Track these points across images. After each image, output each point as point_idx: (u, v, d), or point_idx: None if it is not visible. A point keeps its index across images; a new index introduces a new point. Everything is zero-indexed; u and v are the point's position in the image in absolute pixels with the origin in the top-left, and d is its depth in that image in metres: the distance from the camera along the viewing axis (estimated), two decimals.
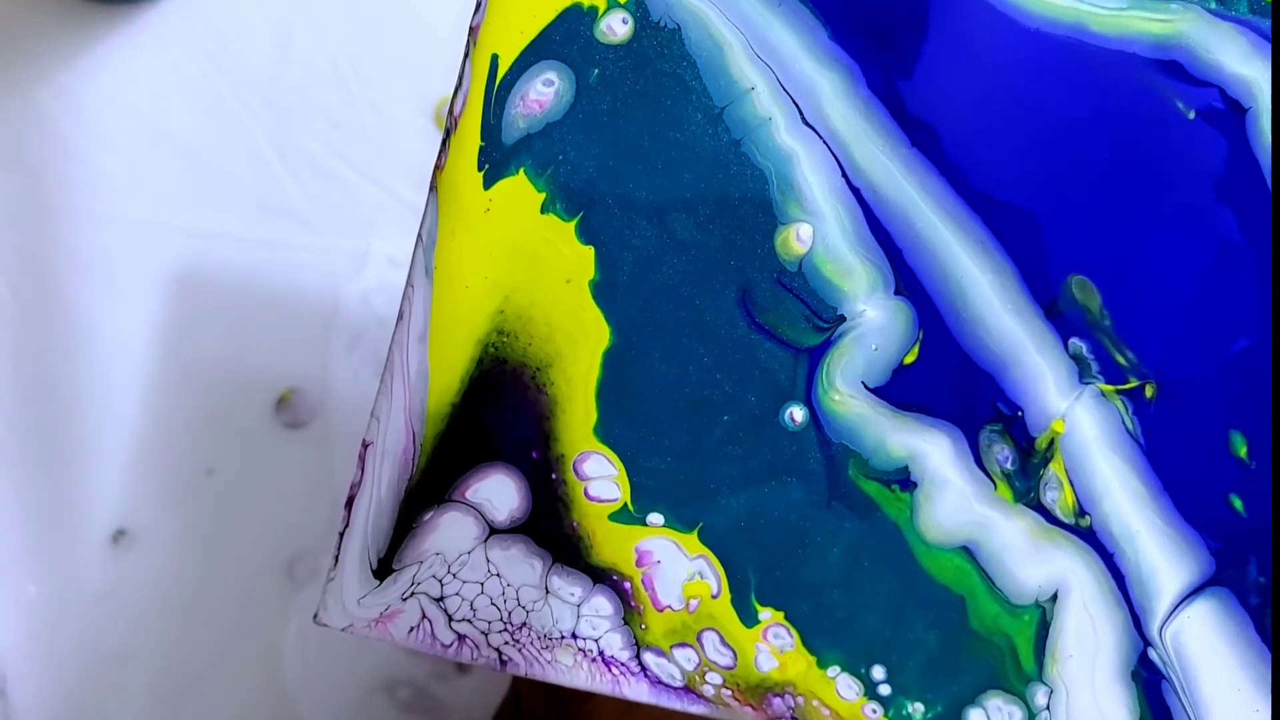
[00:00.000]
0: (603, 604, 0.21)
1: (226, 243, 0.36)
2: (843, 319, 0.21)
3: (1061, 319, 0.21)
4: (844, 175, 0.21)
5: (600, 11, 0.21)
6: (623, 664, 0.21)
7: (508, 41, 0.21)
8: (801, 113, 0.21)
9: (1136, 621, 0.21)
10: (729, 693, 0.21)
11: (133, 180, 0.36)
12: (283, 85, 0.36)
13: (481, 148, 0.21)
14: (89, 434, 0.35)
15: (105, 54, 0.36)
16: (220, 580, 0.35)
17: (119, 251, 0.35)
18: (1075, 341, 0.21)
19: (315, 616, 0.21)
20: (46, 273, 0.35)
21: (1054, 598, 0.21)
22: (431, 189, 0.21)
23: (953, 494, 0.21)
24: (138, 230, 0.36)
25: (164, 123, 0.36)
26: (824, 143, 0.21)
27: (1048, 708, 0.21)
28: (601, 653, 0.21)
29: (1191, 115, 0.21)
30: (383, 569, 0.21)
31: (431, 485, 0.21)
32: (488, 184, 0.21)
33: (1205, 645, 0.21)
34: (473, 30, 0.21)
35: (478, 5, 0.21)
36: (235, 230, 0.36)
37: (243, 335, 0.36)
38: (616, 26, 0.21)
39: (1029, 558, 0.21)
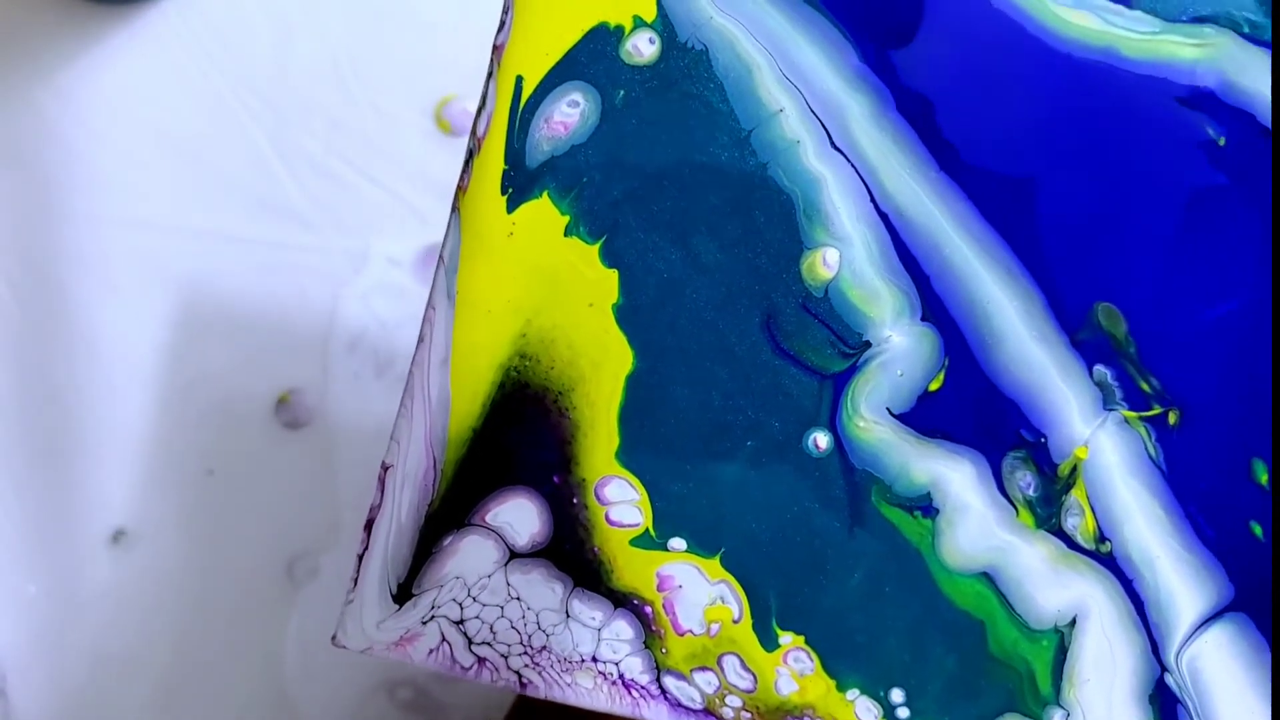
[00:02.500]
0: (623, 628, 0.21)
1: (226, 243, 0.35)
2: (868, 345, 0.21)
3: (1087, 346, 0.21)
4: (872, 200, 0.20)
5: (626, 31, 0.20)
6: (643, 687, 0.21)
7: (533, 63, 0.20)
8: (830, 136, 0.20)
9: (1154, 646, 0.21)
10: (748, 716, 0.21)
11: (133, 180, 0.35)
12: (283, 85, 0.36)
13: (505, 171, 0.20)
14: (89, 434, 0.34)
15: (105, 54, 0.35)
16: (220, 580, 0.35)
17: (119, 252, 0.35)
18: (1100, 368, 0.21)
19: (334, 638, 0.21)
20: (46, 273, 0.35)
21: (1073, 623, 0.21)
22: (454, 210, 0.21)
23: (974, 520, 0.21)
24: (138, 230, 0.35)
25: (164, 123, 0.35)
26: (852, 166, 0.20)
27: None
28: (621, 676, 0.21)
29: (1222, 142, 0.20)
30: (402, 594, 0.21)
31: (452, 510, 0.21)
32: (511, 208, 0.20)
33: (1222, 670, 0.21)
34: (497, 49, 0.20)
35: (501, 23, 0.20)
36: (235, 230, 0.35)
37: (242, 335, 0.35)
38: (643, 47, 0.20)
39: (1049, 583, 0.21)
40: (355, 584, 0.21)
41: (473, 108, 0.36)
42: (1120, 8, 0.20)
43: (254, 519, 0.35)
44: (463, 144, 0.35)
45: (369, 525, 0.21)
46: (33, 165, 0.34)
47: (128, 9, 0.35)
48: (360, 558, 0.21)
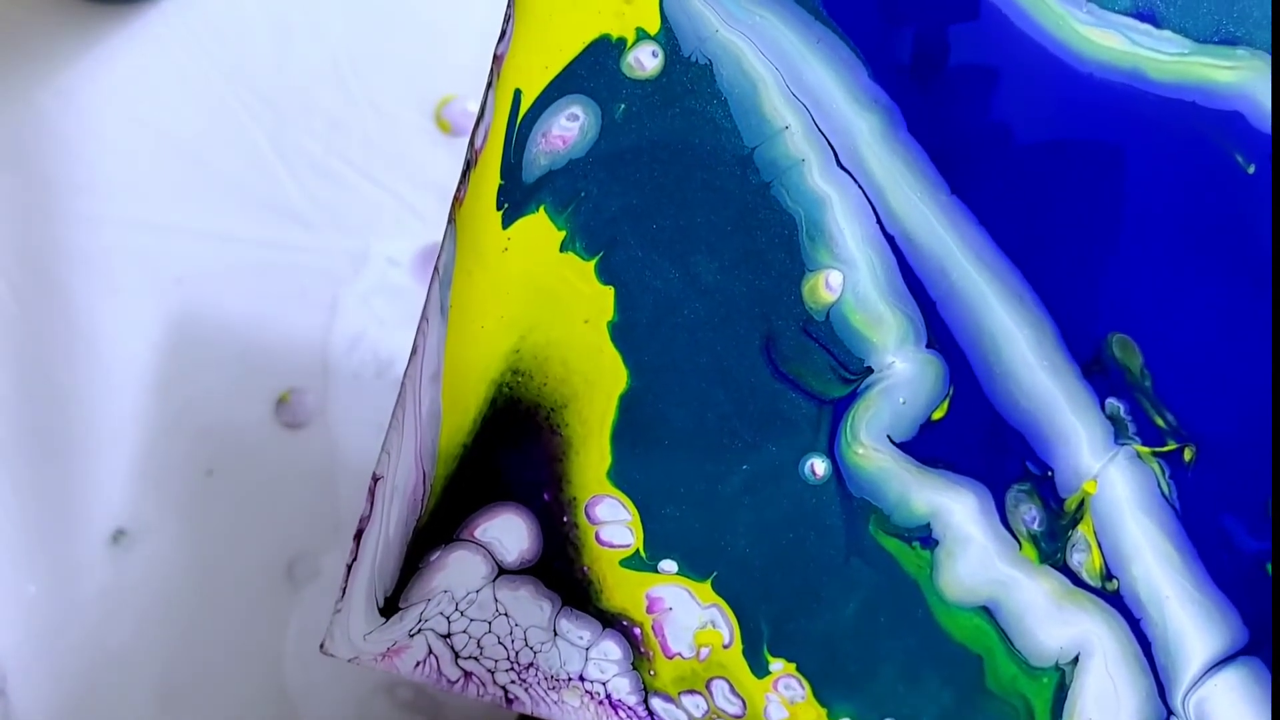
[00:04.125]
0: (611, 648, 0.21)
1: (226, 243, 0.35)
2: (870, 371, 0.20)
3: (1099, 378, 0.20)
4: (878, 221, 0.20)
5: (629, 44, 0.20)
6: (630, 708, 0.21)
7: (532, 76, 0.20)
8: (837, 155, 0.20)
9: (1161, 689, 0.20)
10: None
11: (133, 180, 0.35)
12: (283, 85, 0.35)
13: (501, 186, 0.20)
14: (89, 434, 0.34)
15: (105, 54, 0.35)
16: (220, 580, 0.35)
17: (119, 252, 0.35)
18: (1113, 401, 0.20)
19: (322, 646, 0.21)
20: (46, 273, 0.34)
21: (1075, 661, 0.20)
22: (450, 222, 0.20)
23: (975, 552, 0.20)
24: (138, 231, 0.35)
25: (164, 123, 0.35)
26: (859, 187, 0.20)
27: None
28: (609, 696, 0.21)
29: (1251, 169, 0.20)
30: (389, 607, 0.21)
31: (440, 525, 0.21)
32: (506, 223, 0.20)
33: (1232, 716, 0.20)
34: (497, 59, 0.20)
35: (503, 32, 0.20)
36: (235, 230, 0.35)
37: (242, 335, 0.35)
38: (645, 60, 0.20)
39: (1051, 619, 0.20)
40: (344, 594, 0.21)
41: (473, 107, 0.35)
42: (1149, 27, 0.20)
43: (254, 519, 0.35)
44: (463, 144, 0.35)
45: (358, 536, 0.21)
46: (33, 165, 0.34)
47: (128, 9, 0.35)
48: (349, 568, 0.21)
